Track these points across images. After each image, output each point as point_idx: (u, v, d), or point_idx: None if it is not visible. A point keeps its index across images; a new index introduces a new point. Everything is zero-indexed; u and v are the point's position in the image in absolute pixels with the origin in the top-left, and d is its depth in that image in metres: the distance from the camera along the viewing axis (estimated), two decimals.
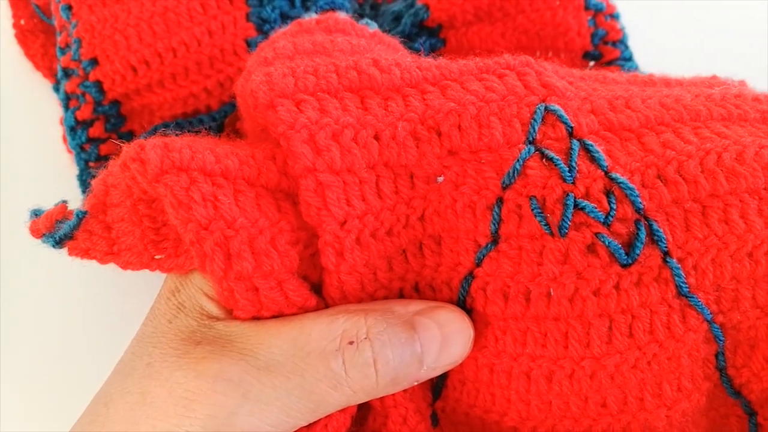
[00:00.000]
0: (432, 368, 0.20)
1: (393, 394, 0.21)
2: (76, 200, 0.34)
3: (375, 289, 0.21)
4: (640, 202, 0.20)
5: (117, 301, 0.34)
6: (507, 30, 0.30)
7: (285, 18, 0.32)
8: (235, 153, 0.20)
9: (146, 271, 0.34)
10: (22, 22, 0.38)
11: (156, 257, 0.21)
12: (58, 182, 0.36)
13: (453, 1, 0.32)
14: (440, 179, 0.21)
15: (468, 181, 0.20)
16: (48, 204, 0.36)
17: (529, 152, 0.20)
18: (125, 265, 0.22)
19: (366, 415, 0.22)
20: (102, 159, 0.33)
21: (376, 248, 0.20)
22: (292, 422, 0.19)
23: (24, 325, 0.34)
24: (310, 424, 0.20)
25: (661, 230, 0.20)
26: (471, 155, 0.20)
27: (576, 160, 0.20)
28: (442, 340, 0.20)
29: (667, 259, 0.20)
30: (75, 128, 0.33)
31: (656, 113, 0.22)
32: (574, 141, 0.21)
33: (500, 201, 0.20)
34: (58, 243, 0.23)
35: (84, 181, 0.34)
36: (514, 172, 0.20)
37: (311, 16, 0.26)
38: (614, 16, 0.34)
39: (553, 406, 0.21)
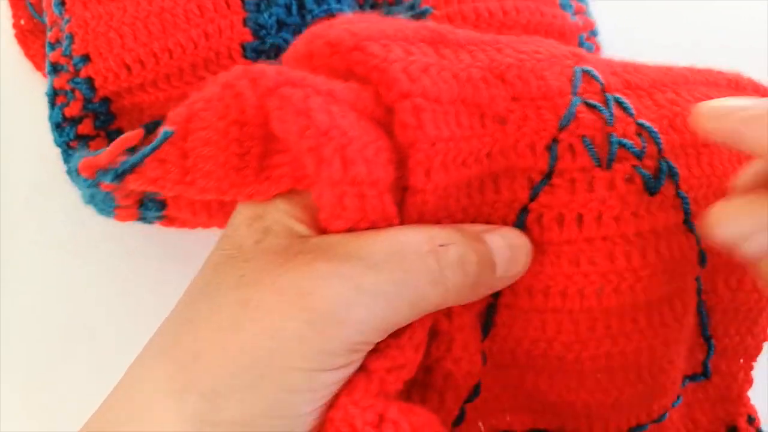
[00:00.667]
0: (502, 278, 0.23)
1: (461, 316, 0.23)
2: (76, 201, 0.33)
3: (444, 216, 0.23)
4: (662, 144, 0.24)
5: (117, 301, 0.34)
6: None
7: (281, 25, 0.33)
8: (333, 81, 0.22)
9: (147, 272, 0.34)
10: (22, 22, 0.38)
11: (235, 183, 0.22)
12: (58, 182, 0.35)
13: (464, 27, 0.32)
14: (506, 124, 0.23)
15: (529, 123, 0.23)
16: (48, 204, 0.36)
17: (578, 101, 0.24)
18: (200, 192, 0.22)
19: (430, 347, 0.24)
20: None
21: (455, 174, 0.22)
22: (396, 316, 0.20)
23: (24, 325, 0.34)
24: (397, 335, 0.21)
25: (676, 167, 0.24)
26: (531, 102, 0.23)
27: (612, 108, 0.24)
28: (509, 250, 0.23)
29: (679, 192, 0.25)
30: (62, 125, 0.32)
31: (658, 76, 0.26)
32: (608, 95, 0.25)
33: (556, 141, 0.24)
34: (120, 176, 0.22)
35: (75, 177, 0.33)
36: (570, 115, 0.24)
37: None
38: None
39: (598, 323, 0.24)
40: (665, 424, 0.27)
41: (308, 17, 0.33)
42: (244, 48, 0.32)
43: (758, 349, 0.29)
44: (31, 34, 0.39)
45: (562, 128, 0.23)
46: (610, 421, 0.26)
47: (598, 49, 0.36)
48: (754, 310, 0.28)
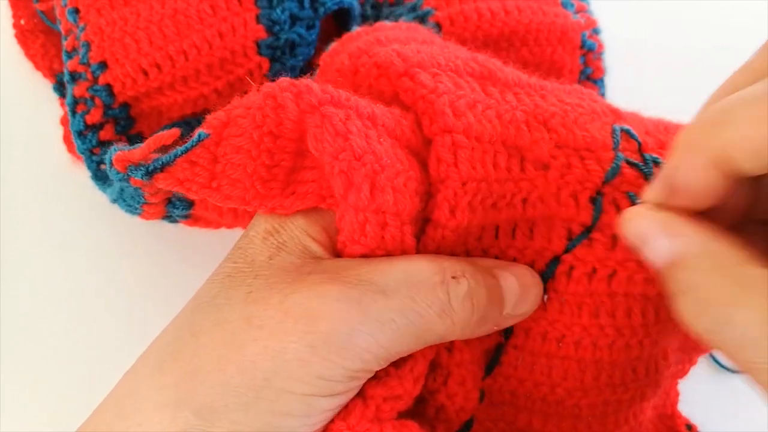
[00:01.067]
0: (509, 316, 0.22)
1: (461, 352, 0.23)
2: (76, 201, 0.34)
3: (462, 252, 0.23)
4: None
5: (117, 301, 0.34)
6: (509, 59, 0.32)
7: (295, 19, 0.33)
8: (375, 104, 0.22)
9: (149, 273, 0.34)
10: (22, 22, 0.38)
11: (259, 194, 0.22)
12: (59, 182, 0.36)
13: (466, 27, 0.33)
14: (549, 171, 0.23)
15: (574, 172, 0.23)
16: (48, 203, 0.36)
17: (621, 157, 0.23)
18: (223, 199, 0.22)
19: (427, 378, 0.24)
20: None
21: (481, 215, 0.22)
22: (401, 346, 0.20)
23: (24, 325, 0.34)
24: (398, 365, 0.21)
25: None
26: (574, 151, 0.23)
27: (651, 167, 0.23)
28: (519, 289, 0.22)
29: None
30: (84, 132, 0.33)
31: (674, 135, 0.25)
32: (645, 154, 0.24)
33: (601, 194, 0.23)
34: (150, 174, 0.22)
35: (100, 182, 0.33)
36: (616, 169, 0.23)
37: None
38: (601, 54, 0.36)
39: (603, 373, 0.24)
40: None
41: (321, 10, 0.33)
42: (258, 45, 0.32)
43: (685, 372, 0.29)
44: (31, 34, 0.38)
45: (606, 181, 0.23)
46: None
47: (600, 47, 0.36)
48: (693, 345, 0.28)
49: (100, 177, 0.33)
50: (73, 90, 0.32)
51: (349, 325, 0.19)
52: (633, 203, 0.23)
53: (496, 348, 0.24)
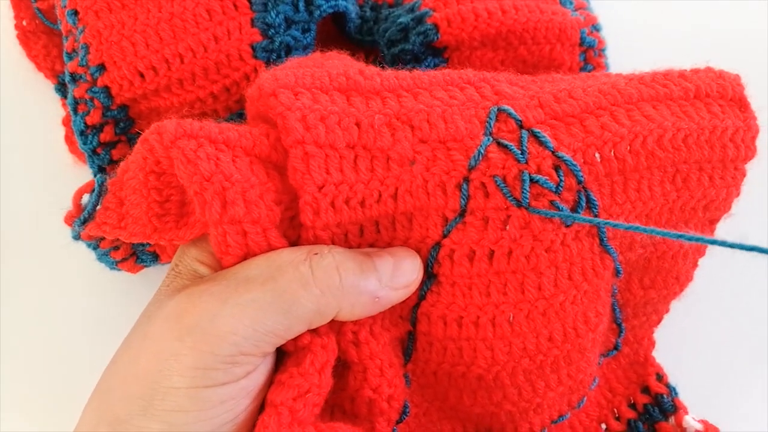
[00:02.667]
0: (390, 287, 0.24)
1: (368, 345, 0.24)
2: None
3: (346, 248, 0.24)
4: (582, 175, 0.25)
5: (117, 301, 0.35)
6: (507, 58, 0.33)
7: (290, 23, 0.33)
8: (234, 128, 0.24)
9: (149, 273, 0.35)
10: (24, 23, 0.38)
11: (157, 228, 0.24)
12: (59, 182, 0.36)
13: (463, 27, 0.33)
14: (414, 165, 0.24)
15: (438, 164, 0.24)
16: (49, 203, 0.37)
17: (488, 141, 0.25)
18: (129, 237, 0.25)
19: (348, 378, 0.25)
20: (115, 163, 0.33)
21: (349, 214, 0.24)
22: (269, 324, 0.21)
23: (24, 325, 0.35)
24: (299, 363, 0.23)
25: (595, 198, 0.25)
26: (440, 144, 0.24)
27: (526, 144, 0.25)
28: (394, 263, 0.24)
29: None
30: (85, 132, 0.33)
31: (595, 99, 0.26)
32: (524, 131, 0.25)
33: (467, 180, 0.24)
34: (83, 223, 0.26)
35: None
36: (478, 155, 0.24)
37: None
38: (602, 51, 0.35)
39: (513, 346, 0.25)
40: (584, 404, 0.30)
41: (316, 13, 0.33)
42: (254, 48, 0.33)
43: (659, 320, 0.32)
44: (33, 35, 0.39)
45: (471, 168, 0.24)
46: (535, 420, 0.28)
47: (601, 43, 0.36)
48: (660, 299, 0.30)
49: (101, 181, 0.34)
50: (73, 91, 0.32)
51: (210, 314, 0.21)
52: (498, 186, 0.24)
53: (408, 335, 0.26)
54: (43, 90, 0.39)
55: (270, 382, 0.23)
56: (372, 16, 0.36)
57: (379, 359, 0.25)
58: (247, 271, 0.22)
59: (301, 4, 0.33)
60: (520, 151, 0.24)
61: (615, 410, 0.32)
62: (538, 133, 0.25)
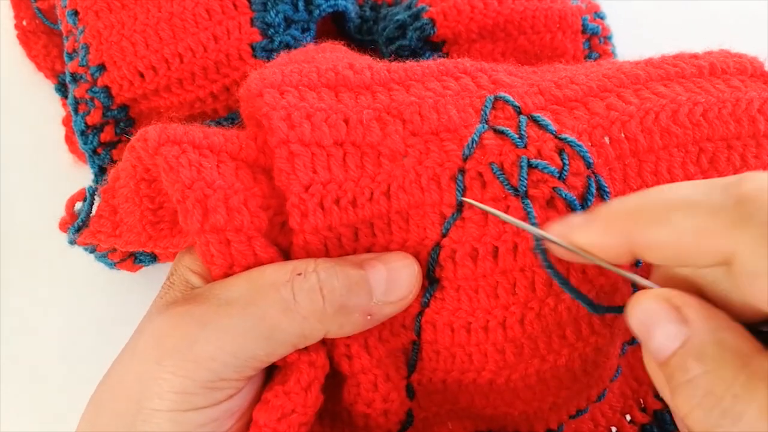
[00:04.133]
0: (383, 302, 0.22)
1: (360, 358, 0.23)
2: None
3: (340, 254, 0.23)
4: (590, 158, 0.22)
5: (118, 301, 0.35)
6: (508, 49, 0.32)
7: (289, 22, 0.33)
8: (221, 132, 0.23)
9: (150, 272, 0.35)
10: (24, 23, 0.38)
11: (152, 236, 0.24)
12: (59, 182, 0.36)
13: (459, 20, 0.33)
14: (405, 159, 0.23)
15: (431, 156, 0.23)
16: (49, 203, 0.37)
17: (483, 128, 0.23)
18: (125, 245, 0.24)
19: (341, 393, 0.24)
20: (115, 163, 0.33)
21: (339, 215, 0.23)
22: (249, 350, 0.21)
23: (24, 325, 0.35)
24: (283, 381, 0.22)
25: (606, 184, 0.23)
26: (432, 136, 0.23)
27: (525, 129, 0.23)
28: (388, 274, 0.22)
29: None
30: (86, 132, 0.33)
31: (599, 83, 0.24)
32: (522, 116, 0.23)
33: (462, 171, 0.23)
34: (78, 230, 0.25)
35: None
36: (472, 143, 0.23)
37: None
38: (608, 38, 0.35)
39: (525, 348, 0.23)
40: (606, 396, 0.27)
41: (315, 12, 0.33)
42: (253, 48, 0.33)
43: None
44: (33, 35, 0.39)
45: (466, 158, 0.22)
46: (551, 418, 0.26)
47: (605, 30, 0.35)
48: None
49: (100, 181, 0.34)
50: (74, 91, 0.33)
51: (190, 339, 0.20)
52: (494, 173, 0.22)
53: (413, 345, 0.24)
54: (43, 90, 0.39)
55: (259, 398, 0.22)
56: (372, 15, 0.36)
57: (373, 374, 0.23)
58: (229, 291, 0.21)
59: (301, 4, 0.33)
60: (518, 136, 0.23)
61: (641, 401, 0.29)
62: (538, 117, 0.23)
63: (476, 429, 0.27)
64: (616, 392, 0.28)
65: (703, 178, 0.23)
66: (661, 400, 0.29)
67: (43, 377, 0.34)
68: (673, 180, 0.24)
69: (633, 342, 0.28)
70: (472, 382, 0.24)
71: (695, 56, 0.25)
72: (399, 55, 0.34)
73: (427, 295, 0.24)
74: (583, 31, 0.34)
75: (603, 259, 0.20)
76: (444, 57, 0.34)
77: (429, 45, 0.33)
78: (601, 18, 0.35)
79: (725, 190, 0.17)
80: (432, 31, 0.33)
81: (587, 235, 0.19)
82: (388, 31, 0.34)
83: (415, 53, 0.33)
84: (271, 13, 0.33)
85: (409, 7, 0.34)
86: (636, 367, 0.29)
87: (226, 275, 0.22)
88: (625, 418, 0.28)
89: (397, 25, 0.34)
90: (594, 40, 0.35)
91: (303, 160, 0.22)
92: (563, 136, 0.22)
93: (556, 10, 0.33)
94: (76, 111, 0.33)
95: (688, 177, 0.23)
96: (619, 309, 0.20)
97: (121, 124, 0.34)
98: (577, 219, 0.20)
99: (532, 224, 0.22)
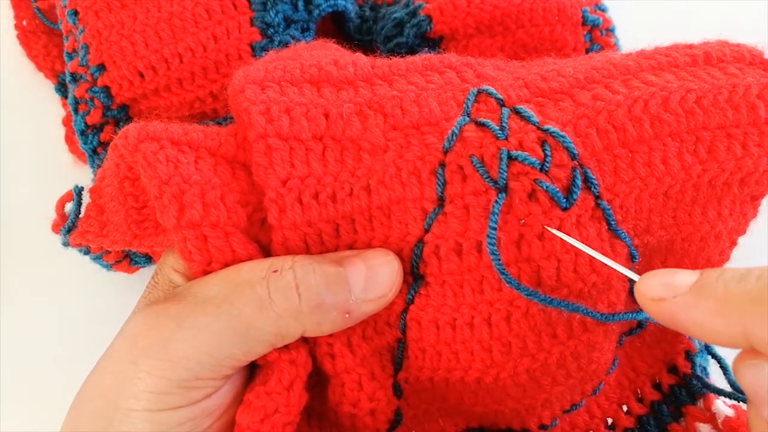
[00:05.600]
0: (362, 299, 0.22)
1: (343, 358, 0.23)
2: None
3: (321, 251, 0.23)
4: (574, 149, 0.22)
5: (118, 301, 0.34)
6: (506, 43, 0.32)
7: (289, 22, 0.33)
8: (201, 129, 0.23)
9: (150, 272, 0.35)
10: (24, 23, 0.39)
11: (136, 235, 0.24)
12: (59, 182, 0.36)
13: (456, 15, 0.32)
14: (386, 154, 0.23)
15: (412, 150, 0.22)
16: (49, 203, 0.37)
17: (464, 120, 0.23)
18: (111, 244, 0.24)
19: (327, 394, 0.24)
20: None
21: (319, 211, 0.23)
22: (225, 348, 0.21)
23: (24, 325, 0.35)
24: (264, 378, 0.22)
25: (594, 176, 0.22)
26: (413, 129, 0.23)
27: (507, 121, 0.22)
28: (367, 271, 0.22)
29: (599, 202, 0.22)
30: (86, 132, 0.33)
31: (586, 75, 0.24)
32: (504, 108, 0.23)
33: (442, 165, 0.22)
34: (68, 231, 0.25)
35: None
36: (452, 136, 0.22)
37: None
38: (610, 30, 0.35)
39: (512, 346, 0.23)
40: (603, 389, 0.27)
41: (315, 12, 0.33)
42: (253, 48, 0.33)
43: None
44: (33, 35, 0.39)
45: (446, 151, 0.22)
46: (544, 414, 0.26)
47: (607, 22, 0.35)
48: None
49: None
50: (74, 90, 0.33)
51: (165, 338, 0.20)
52: (474, 166, 0.22)
53: (398, 343, 0.24)
54: (43, 90, 0.39)
55: (241, 396, 0.22)
56: (371, 15, 0.36)
57: (357, 373, 0.23)
58: (206, 290, 0.21)
59: (300, 4, 0.33)
60: (499, 128, 0.22)
61: (638, 391, 0.28)
62: (521, 109, 0.23)
63: (467, 426, 0.27)
64: (612, 383, 0.28)
65: (702, 169, 0.22)
66: (659, 390, 0.28)
67: (42, 377, 0.34)
68: (668, 171, 0.22)
69: (631, 333, 0.28)
70: (460, 381, 0.24)
71: (690, 46, 0.25)
72: (396, 52, 0.34)
73: (412, 291, 0.23)
74: (584, 23, 0.34)
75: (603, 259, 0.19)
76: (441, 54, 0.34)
77: (426, 42, 0.33)
78: (602, 10, 0.35)
79: None
80: (428, 28, 0.33)
81: (697, 315, 0.18)
82: (386, 29, 0.34)
83: (412, 51, 0.33)
84: (271, 12, 0.33)
85: (406, 5, 0.34)
86: (633, 357, 0.28)
87: (205, 272, 0.22)
88: (622, 408, 0.28)
89: (395, 23, 0.34)
90: (595, 32, 0.35)
91: (281, 154, 0.22)
92: (546, 127, 0.22)
93: (554, 2, 0.33)
94: (76, 111, 0.33)
95: (685, 167, 0.23)
96: (626, 316, 0.20)
97: (121, 124, 0.34)
98: (682, 278, 0.19)
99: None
